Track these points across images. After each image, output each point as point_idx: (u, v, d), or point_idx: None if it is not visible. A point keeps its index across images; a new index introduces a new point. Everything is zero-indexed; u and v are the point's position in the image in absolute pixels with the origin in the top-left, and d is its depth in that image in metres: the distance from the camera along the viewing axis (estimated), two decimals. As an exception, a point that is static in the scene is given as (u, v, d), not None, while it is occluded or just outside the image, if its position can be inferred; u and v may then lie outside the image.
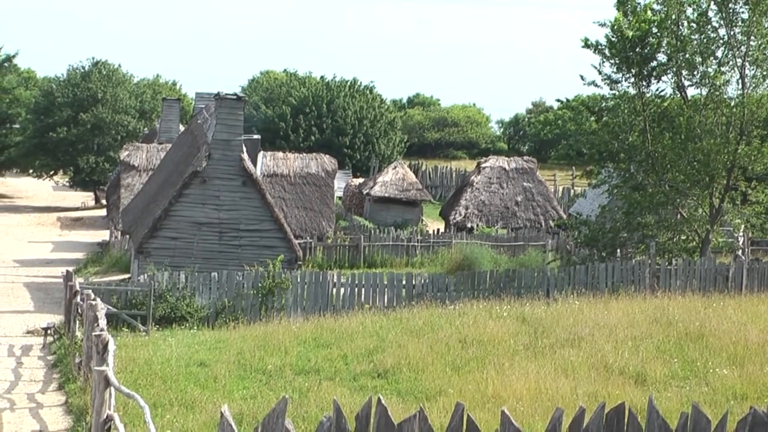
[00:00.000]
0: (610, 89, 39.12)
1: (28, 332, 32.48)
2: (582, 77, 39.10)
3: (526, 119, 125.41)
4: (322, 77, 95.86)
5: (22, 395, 21.49)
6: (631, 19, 37.39)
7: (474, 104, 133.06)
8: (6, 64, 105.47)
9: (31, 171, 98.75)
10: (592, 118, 41.25)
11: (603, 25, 37.84)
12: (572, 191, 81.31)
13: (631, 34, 37.03)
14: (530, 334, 22.38)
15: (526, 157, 69.07)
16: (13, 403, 20.54)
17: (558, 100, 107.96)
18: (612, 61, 38.17)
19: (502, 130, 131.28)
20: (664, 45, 37.60)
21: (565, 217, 60.34)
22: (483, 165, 65.20)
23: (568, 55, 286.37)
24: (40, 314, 36.28)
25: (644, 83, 38.21)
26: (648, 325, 22.85)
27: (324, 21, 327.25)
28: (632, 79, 38.16)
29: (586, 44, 38.32)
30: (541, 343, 21.35)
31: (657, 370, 18.78)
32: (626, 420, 10.74)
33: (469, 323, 23.97)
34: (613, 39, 37.62)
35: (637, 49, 37.44)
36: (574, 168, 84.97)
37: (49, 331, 30.09)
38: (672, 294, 29.39)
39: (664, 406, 14.92)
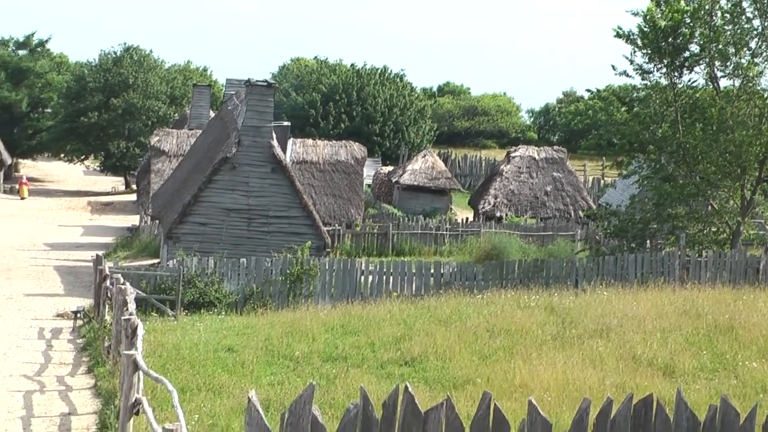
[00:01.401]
0: (642, 79, 38.93)
1: (58, 315, 32.65)
2: (613, 67, 39.00)
3: (557, 109, 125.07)
4: (352, 65, 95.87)
5: (52, 378, 21.60)
6: (663, 8, 37.17)
7: (504, 93, 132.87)
8: (39, 49, 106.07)
9: (62, 155, 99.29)
10: (623, 109, 41.08)
11: (635, 14, 37.64)
12: (602, 181, 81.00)
13: (663, 24, 36.81)
14: (558, 325, 22.32)
15: (556, 147, 68.89)
16: (42, 386, 20.65)
17: (589, 90, 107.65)
18: (644, 51, 37.96)
19: (532, 119, 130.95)
20: (696, 35, 37.36)
21: (594, 207, 60.13)
22: (513, 154, 65.06)
23: (600, 45, 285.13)
24: (70, 298, 36.47)
25: (676, 74, 38.00)
26: (677, 317, 22.75)
27: (355, 8, 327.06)
28: (664, 70, 37.95)
29: (618, 34, 38.13)
30: (569, 333, 21.29)
31: (686, 362, 18.70)
32: (654, 412, 10.70)
33: (497, 312, 23.94)
34: (646, 29, 37.40)
35: (670, 39, 37.21)
36: (604, 158, 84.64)
37: (78, 315, 30.23)
38: (702, 286, 29.23)
39: (692, 398, 14.86)
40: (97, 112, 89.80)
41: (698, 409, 11.44)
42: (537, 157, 64.36)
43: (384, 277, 34.54)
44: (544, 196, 62.70)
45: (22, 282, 40.83)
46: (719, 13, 37.43)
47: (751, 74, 36.51)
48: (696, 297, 25.68)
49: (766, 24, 36.58)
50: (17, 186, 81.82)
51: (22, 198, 78.01)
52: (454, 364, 19.01)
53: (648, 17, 37.19)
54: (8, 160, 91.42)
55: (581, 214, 60.93)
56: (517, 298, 26.43)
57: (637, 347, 19.67)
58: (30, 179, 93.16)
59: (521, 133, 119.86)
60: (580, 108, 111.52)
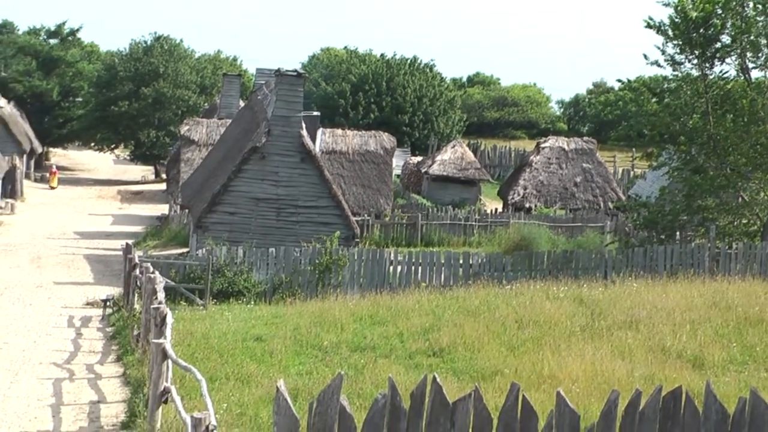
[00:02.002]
0: (673, 70, 38.76)
1: (88, 304, 32.82)
2: (645, 57, 38.86)
3: (587, 99, 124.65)
4: (382, 55, 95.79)
5: (81, 366, 21.71)
6: (695, -1, 37.00)
7: (534, 84, 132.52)
8: (70, 38, 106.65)
9: (92, 144, 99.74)
10: (654, 100, 40.84)
11: (667, 5, 37.46)
12: (632, 173, 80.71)
13: (694, 14, 36.62)
14: (587, 316, 22.26)
15: (585, 138, 68.70)
16: (72, 374, 20.75)
17: (619, 80, 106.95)
18: (675, 42, 37.77)
19: (562, 110, 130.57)
20: (728, 26, 37.16)
21: (624, 198, 59.90)
22: (542, 145, 64.92)
23: (631, 36, 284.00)
24: (100, 286, 36.64)
25: (707, 65, 37.80)
26: (707, 309, 22.65)
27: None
28: (695, 61, 37.76)
29: (649, 24, 37.96)
30: (598, 324, 21.23)
31: (715, 354, 18.62)
32: (683, 403, 10.66)
33: (526, 304, 23.89)
34: (677, 19, 37.21)
35: (701, 30, 37.02)
36: (634, 149, 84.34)
37: (108, 303, 30.37)
38: (732, 278, 29.06)
39: (721, 390, 14.79)
40: (128, 101, 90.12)
41: (727, 402, 11.38)
42: (567, 148, 64.19)
43: (413, 268, 34.54)
44: (574, 188, 62.55)
45: (52, 270, 41.05)
46: (751, 4, 37.20)
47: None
48: (726, 289, 25.55)
49: (798, 15, 36.33)
50: (48, 175, 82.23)
51: (52, 187, 78.40)
52: (482, 354, 18.99)
53: (679, 8, 37.00)
54: (39, 148, 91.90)
55: (611, 205, 60.73)
56: (546, 290, 26.37)
57: (666, 339, 19.60)
58: (60, 168, 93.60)
59: (551, 123, 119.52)
60: (610, 99, 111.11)
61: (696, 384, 15.76)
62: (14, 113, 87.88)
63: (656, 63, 38.77)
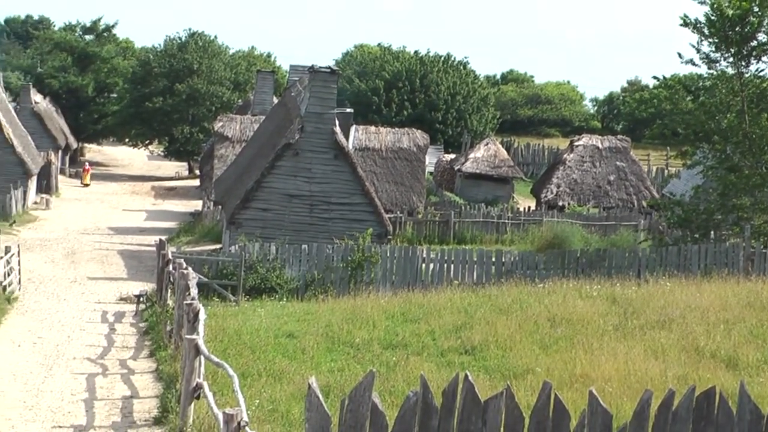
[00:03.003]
0: (708, 68, 38.56)
1: (121, 299, 32.98)
2: (680, 55, 38.58)
3: (621, 98, 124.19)
4: (416, 52, 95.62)
5: (114, 361, 21.81)
6: (731, -3, 36.77)
7: (568, 81, 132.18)
8: (105, 34, 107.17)
9: (127, 140, 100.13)
10: (689, 98, 40.66)
11: (702, 2, 37.24)
12: (666, 171, 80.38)
13: (731, 12, 36.40)
14: (620, 315, 22.17)
15: (619, 136, 68.45)
16: (105, 369, 20.85)
17: (655, 78, 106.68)
18: (710, 40, 37.56)
19: (596, 108, 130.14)
20: (765, 24, 36.91)
21: (658, 197, 59.63)
22: (576, 143, 64.74)
23: (666, 33, 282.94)
24: (133, 282, 36.79)
25: (743, 63, 37.57)
26: (741, 309, 22.51)
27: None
28: (731, 59, 37.54)
29: (685, 22, 37.76)
30: (631, 324, 21.14)
31: (749, 354, 18.49)
32: (717, 404, 10.60)
33: (559, 302, 23.82)
34: (713, 17, 37.00)
35: (737, 28, 36.79)
36: (668, 148, 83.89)
37: (141, 299, 30.50)
38: (766, 278, 28.90)
39: (756, 391, 14.69)
40: (162, 97, 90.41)
41: (762, 403, 11.33)
42: (600, 146, 63.97)
43: (445, 265, 34.50)
44: (607, 186, 62.34)
45: (86, 265, 41.26)
46: (788, 2, 36.93)
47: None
48: (761, 289, 25.39)
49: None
50: (81, 171, 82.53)
51: (85, 184, 78.60)
52: (514, 353, 18.95)
53: (715, 6, 36.79)
54: (74, 144, 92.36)
55: (644, 204, 60.48)
56: (578, 288, 26.29)
57: (699, 339, 19.49)
58: (95, 164, 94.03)
59: (585, 121, 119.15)
60: (644, 97, 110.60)
61: (730, 384, 15.65)
62: (50, 109, 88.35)
63: (691, 61, 38.57)
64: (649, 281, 28.54)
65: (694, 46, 38.06)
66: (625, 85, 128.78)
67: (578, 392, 15.21)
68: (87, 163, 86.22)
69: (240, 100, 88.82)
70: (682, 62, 39.57)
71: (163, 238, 37.92)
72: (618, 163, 63.19)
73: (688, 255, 34.42)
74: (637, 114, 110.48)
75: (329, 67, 39.86)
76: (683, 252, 34.65)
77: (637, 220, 53.05)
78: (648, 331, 20.35)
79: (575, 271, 33.58)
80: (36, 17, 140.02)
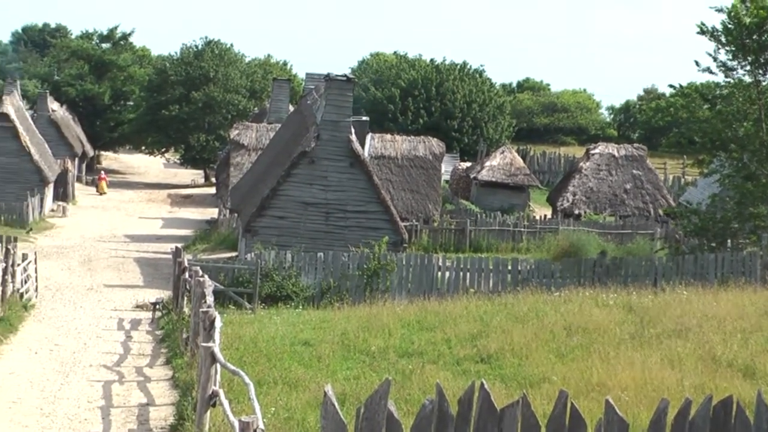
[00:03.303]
0: (725, 77, 38.44)
1: (137, 307, 33.05)
2: (697, 63, 38.48)
3: (637, 106, 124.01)
4: (431, 60, 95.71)
5: (131, 368, 21.84)
6: (748, 5, 36.64)
7: (584, 90, 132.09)
8: (122, 42, 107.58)
9: (143, 148, 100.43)
10: (706, 106, 40.54)
11: (720, 10, 37.15)
12: (683, 180, 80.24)
13: (748, 20, 36.31)
14: (636, 324, 22.11)
15: (636, 145, 68.37)
16: (121, 376, 20.88)
17: (671, 87, 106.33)
18: (728, 48, 37.46)
19: (612, 116, 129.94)
20: (782, 32, 36.80)
21: (674, 205, 59.50)
22: (592, 151, 64.66)
23: (683, 42, 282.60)
24: (149, 289, 36.88)
25: (760, 71, 37.45)
26: (758, 318, 22.42)
27: (435, 3, 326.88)
28: (748, 67, 37.43)
29: (702, 30, 37.67)
30: (647, 332, 21.08)
31: (767, 363, 18.40)
32: (734, 413, 10.56)
33: (575, 311, 23.77)
34: (730, 25, 36.90)
35: (755, 36, 36.68)
36: (685, 156, 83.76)
37: (157, 306, 30.56)
38: (783, 287, 28.78)
39: (772, 400, 14.62)
40: (178, 105, 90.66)
41: (779, 412, 11.25)
42: (617, 154, 63.88)
43: (461, 273, 34.49)
44: (624, 194, 62.23)
45: (103, 273, 41.36)
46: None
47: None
48: (777, 298, 25.29)
49: None
50: (97, 179, 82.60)
51: (101, 193, 78.62)
52: (530, 361, 18.91)
53: (732, 14, 36.70)
54: (91, 152, 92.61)
55: (661, 212, 60.37)
56: (594, 296, 26.23)
57: (716, 348, 19.41)
58: (111, 171, 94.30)
59: (601, 130, 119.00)
60: (661, 105, 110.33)
61: (747, 394, 15.59)
62: (66, 117, 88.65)
63: (708, 70, 38.47)
64: (666, 290, 28.45)
65: (711, 55, 37.99)
66: (642, 93, 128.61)
67: (594, 401, 15.16)
68: (103, 172, 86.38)
69: (256, 108, 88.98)
70: (699, 70, 39.50)
71: (180, 245, 38.01)
72: (634, 171, 63.08)
73: (705, 264, 34.32)
74: (654, 122, 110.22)
75: (345, 75, 39.90)
76: (700, 261, 34.55)
77: (653, 228, 52.95)
78: (664, 340, 20.29)
79: (591, 280, 33.50)
80: (53, 25, 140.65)
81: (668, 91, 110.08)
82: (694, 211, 41.10)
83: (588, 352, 19.37)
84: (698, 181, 62.29)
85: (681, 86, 43.05)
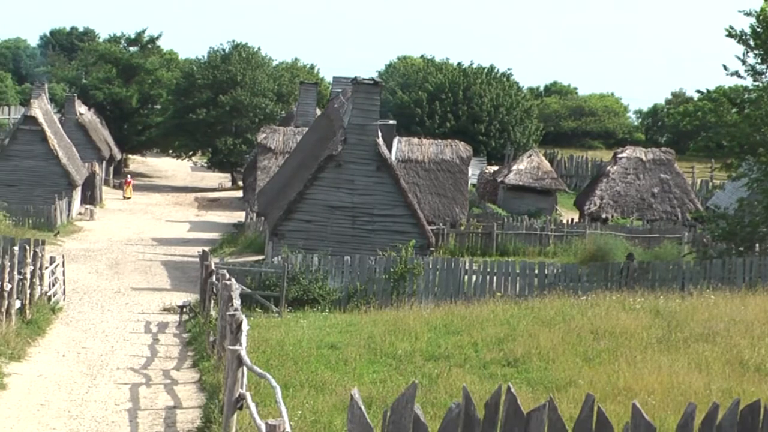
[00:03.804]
0: (754, 80, 38.30)
1: (165, 310, 33.14)
2: (725, 67, 38.36)
3: (665, 110, 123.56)
4: (459, 64, 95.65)
5: (158, 371, 21.90)
6: (777, 9, 36.51)
7: (612, 93, 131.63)
8: (149, 46, 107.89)
9: (170, 151, 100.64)
10: (734, 110, 40.38)
11: (748, 14, 37.00)
12: (711, 184, 79.88)
13: (777, 24, 36.16)
14: (663, 328, 22.04)
15: (663, 149, 68.14)
16: (149, 379, 20.94)
17: (698, 91, 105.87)
18: (756, 52, 37.30)
19: (640, 120, 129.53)
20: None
21: (702, 209, 59.27)
22: (619, 155, 64.50)
23: (711, 45, 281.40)
24: (176, 292, 36.96)
25: (789, 75, 37.30)
26: (786, 322, 22.32)
27: (462, 7, 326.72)
28: (777, 71, 37.27)
29: (730, 34, 37.53)
30: (674, 336, 21.01)
31: (794, 368, 18.34)
32: (761, 418, 10.52)
33: (602, 314, 23.71)
34: (758, 29, 36.75)
35: (784, 40, 36.53)
36: (713, 160, 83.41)
37: (184, 309, 30.64)
38: (812, 291, 28.62)
39: (801, 405, 14.55)
40: (205, 108, 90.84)
41: (807, 417, 11.19)
42: (644, 158, 63.70)
43: (488, 277, 34.47)
44: (651, 198, 62.04)
45: (130, 276, 41.50)
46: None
47: None
48: (806, 302, 25.16)
49: None
50: (123, 183, 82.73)
51: (127, 197, 78.60)
52: (557, 365, 18.87)
53: (761, 17, 36.55)
54: (118, 155, 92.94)
55: (689, 216, 60.14)
56: (621, 300, 26.16)
57: (744, 352, 19.33)
58: (138, 175, 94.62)
59: (628, 134, 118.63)
60: (689, 109, 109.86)
61: (775, 398, 15.52)
62: (94, 120, 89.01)
63: (736, 73, 38.33)
64: (693, 294, 28.35)
65: (739, 58, 37.84)
66: (670, 97, 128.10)
67: (621, 405, 15.13)
68: (129, 176, 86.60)
69: (283, 112, 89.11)
70: (727, 74, 39.36)
71: (206, 249, 38.14)
72: (662, 175, 62.89)
73: (733, 268, 34.18)
74: (682, 126, 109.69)
75: (372, 79, 39.92)
76: (728, 265, 34.42)
77: (681, 232, 52.78)
78: (692, 344, 20.22)
79: (618, 284, 33.41)
80: (81, 29, 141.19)
81: (696, 95, 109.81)
82: (722, 215, 40.92)
83: (615, 356, 19.33)
84: (726, 185, 61.95)
85: (709, 90, 42.95)
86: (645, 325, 22.39)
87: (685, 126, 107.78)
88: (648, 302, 25.76)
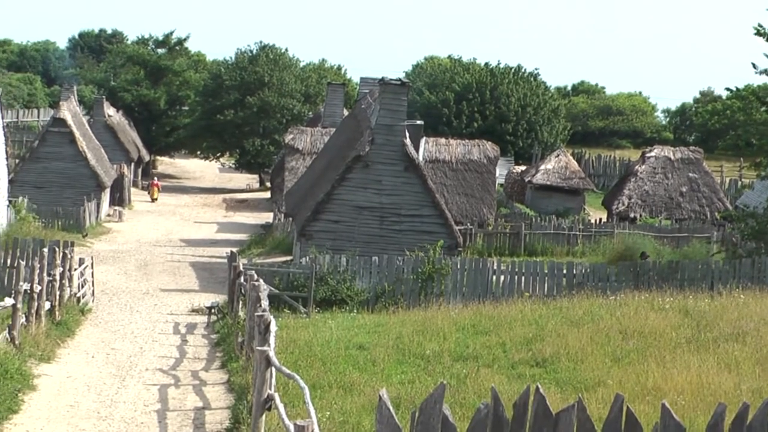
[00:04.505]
0: (783, 79, 38.08)
1: (193, 311, 33.24)
2: (754, 65, 38.18)
3: (694, 108, 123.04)
4: (486, 63, 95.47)
5: (187, 372, 21.97)
6: (806, 6, 36.32)
7: (640, 93, 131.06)
8: (177, 48, 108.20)
9: (198, 152, 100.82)
10: (763, 108, 40.19)
11: (777, 12, 36.82)
12: (740, 183, 79.54)
13: (806, 22, 35.97)
14: (693, 327, 21.97)
15: (692, 147, 67.84)
16: (177, 380, 21.01)
17: (727, 89, 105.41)
18: (785, 50, 37.10)
19: (668, 119, 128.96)
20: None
21: (731, 208, 58.97)
22: (648, 154, 64.28)
23: (740, 43, 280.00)
24: (205, 293, 37.06)
25: (818, 73, 37.09)
26: (817, 322, 22.20)
27: (489, 7, 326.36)
28: (806, 69, 37.09)
29: (759, 32, 37.38)
30: (704, 336, 20.94)
31: (825, 367, 18.24)
32: (792, 418, 10.45)
33: (630, 314, 23.65)
34: (788, 27, 36.59)
35: (812, 38, 36.35)
36: (742, 159, 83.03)
37: (212, 310, 30.71)
38: (843, 290, 28.47)
39: (831, 405, 14.46)
40: (233, 109, 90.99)
41: (838, 417, 11.12)
42: (672, 157, 63.45)
43: (516, 277, 34.42)
44: (680, 197, 61.80)
45: (159, 277, 41.64)
46: None
47: None
48: (837, 302, 25.04)
49: None
50: (150, 185, 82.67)
51: (153, 200, 78.47)
52: (585, 365, 18.84)
53: (790, 15, 36.40)
54: (146, 157, 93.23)
55: (717, 215, 59.85)
56: (650, 300, 26.09)
57: (774, 352, 19.25)
58: (166, 176, 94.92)
59: (656, 133, 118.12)
60: (717, 108, 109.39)
61: (805, 398, 15.43)
62: (123, 122, 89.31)
63: (765, 72, 38.16)
64: (723, 294, 28.25)
65: None
66: (698, 95, 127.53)
67: (650, 405, 15.09)
68: (155, 178, 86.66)
69: (310, 113, 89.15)
70: (756, 72, 39.11)
71: (234, 249, 38.25)
72: (690, 174, 62.64)
73: (763, 267, 34.03)
74: (710, 125, 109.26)
75: (399, 80, 39.93)
76: (757, 264, 34.26)
77: (710, 231, 52.55)
78: (721, 344, 20.14)
79: (647, 284, 33.30)
80: (109, 31, 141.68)
81: (725, 94, 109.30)
82: (751, 215, 40.73)
83: (644, 356, 19.28)
84: (755, 183, 61.67)
85: (738, 88, 42.71)
86: (674, 324, 22.33)
87: (714, 125, 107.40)
88: (677, 302, 25.69)
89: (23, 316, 22.26)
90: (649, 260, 35.76)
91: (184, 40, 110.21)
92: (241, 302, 27.10)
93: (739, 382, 17.03)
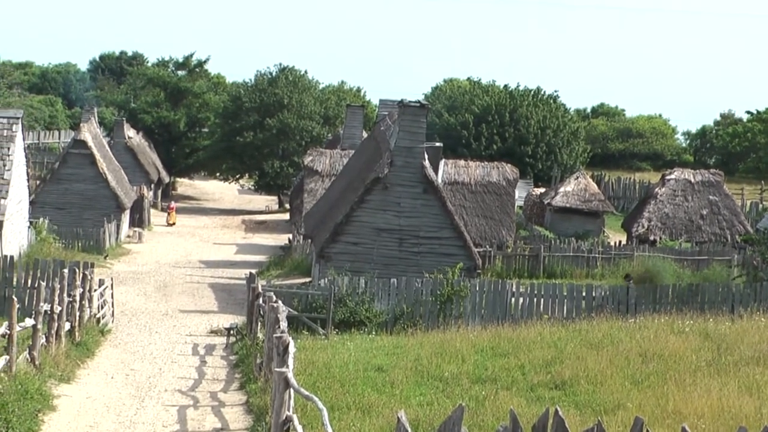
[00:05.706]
0: (803, 101, 37.99)
1: (212, 332, 33.26)
2: (773, 88, 38.09)
3: (714, 131, 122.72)
4: (505, 86, 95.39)
5: (205, 393, 21.97)
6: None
7: (660, 115, 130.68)
8: (197, 70, 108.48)
9: (218, 174, 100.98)
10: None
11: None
12: (760, 206, 79.23)
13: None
14: (713, 351, 21.88)
15: (712, 170, 67.63)
16: (196, 401, 21.00)
17: (748, 112, 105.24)
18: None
19: (688, 141, 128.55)
20: None
21: (752, 231, 58.73)
22: (668, 177, 64.10)
23: (761, 66, 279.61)
24: (223, 315, 37.08)
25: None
26: (838, 346, 22.08)
27: (509, 29, 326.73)
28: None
29: (778, 55, 37.31)
30: (724, 360, 20.85)
31: None
32: (813, 442, 10.39)
33: (650, 337, 23.57)
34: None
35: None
36: (763, 182, 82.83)
37: (231, 332, 30.72)
38: None
39: None
40: (253, 131, 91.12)
41: None
42: (693, 180, 63.25)
43: (535, 300, 34.34)
44: (700, 220, 61.58)
45: (178, 298, 41.67)
46: None
47: None
48: None
49: None
50: (167, 209, 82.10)
51: (171, 224, 77.47)
52: (605, 388, 18.77)
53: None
54: (166, 178, 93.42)
55: (738, 238, 59.59)
56: (670, 323, 26.01)
57: (795, 376, 19.15)
58: (186, 198, 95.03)
59: (677, 155, 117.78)
60: (738, 130, 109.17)
61: (827, 422, 15.34)
62: (143, 143, 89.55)
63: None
64: (743, 317, 28.15)
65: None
66: (718, 118, 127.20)
67: (670, 428, 15.02)
68: (173, 202, 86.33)
69: (330, 135, 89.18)
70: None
71: (254, 271, 38.25)
72: (711, 197, 62.43)
73: (784, 290, 33.87)
74: (731, 147, 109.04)
75: (419, 102, 39.96)
76: (778, 287, 34.11)
77: (730, 254, 52.31)
78: (742, 368, 20.05)
79: (667, 306, 33.18)
80: (130, 53, 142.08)
81: (745, 116, 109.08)
82: (772, 237, 40.59)
83: (664, 379, 19.20)
84: (776, 206, 61.56)
85: (758, 111, 42.63)
86: (694, 347, 22.24)
87: (735, 147, 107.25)
88: (697, 325, 25.60)
89: (43, 336, 22.31)
90: (631, 284, 35.73)
91: (204, 62, 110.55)
92: (260, 323, 27.11)
93: (760, 405, 16.94)
